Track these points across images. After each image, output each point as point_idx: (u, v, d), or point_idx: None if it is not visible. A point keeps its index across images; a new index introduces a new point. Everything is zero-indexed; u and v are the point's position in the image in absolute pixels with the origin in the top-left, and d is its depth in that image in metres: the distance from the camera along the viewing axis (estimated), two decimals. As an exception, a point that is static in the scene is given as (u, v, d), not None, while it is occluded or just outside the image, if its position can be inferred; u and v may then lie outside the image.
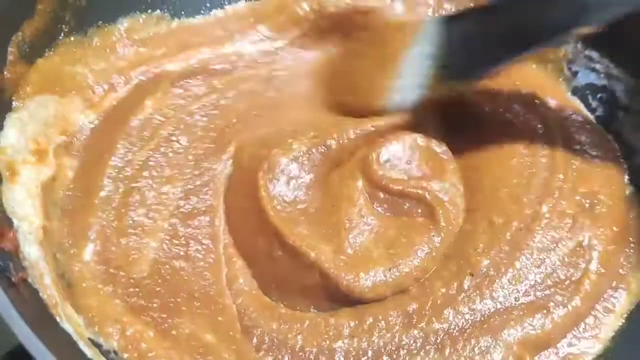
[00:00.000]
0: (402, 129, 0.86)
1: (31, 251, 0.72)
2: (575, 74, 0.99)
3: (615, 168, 0.89)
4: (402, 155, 0.84)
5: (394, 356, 0.73)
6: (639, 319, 0.78)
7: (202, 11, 1.01)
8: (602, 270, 0.79)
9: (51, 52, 0.86)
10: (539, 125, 0.91)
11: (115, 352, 0.71)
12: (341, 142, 0.84)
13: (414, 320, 0.75)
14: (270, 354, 0.74)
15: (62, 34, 0.87)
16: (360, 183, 0.82)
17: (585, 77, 0.98)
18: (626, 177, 0.89)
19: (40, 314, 0.67)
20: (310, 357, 0.73)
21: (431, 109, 0.89)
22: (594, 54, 0.97)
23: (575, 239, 0.81)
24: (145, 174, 0.84)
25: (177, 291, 0.76)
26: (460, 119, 0.91)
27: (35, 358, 0.56)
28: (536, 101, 0.94)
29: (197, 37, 0.98)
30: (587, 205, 0.84)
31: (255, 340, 0.74)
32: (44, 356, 0.56)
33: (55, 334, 0.66)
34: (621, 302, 0.79)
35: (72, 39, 0.88)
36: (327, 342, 0.74)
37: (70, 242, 0.77)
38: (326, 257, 0.76)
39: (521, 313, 0.76)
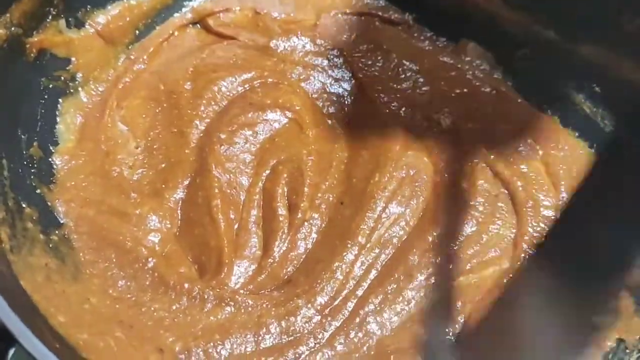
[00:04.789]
0: None
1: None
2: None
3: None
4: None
5: None
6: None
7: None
8: None
9: (40, 34, 0.86)
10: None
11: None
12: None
13: None
14: None
15: (50, 17, 0.87)
16: None
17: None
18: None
19: (19, 290, 0.68)
20: None
21: None
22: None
23: None
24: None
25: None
26: None
27: (17, 340, 0.57)
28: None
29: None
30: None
31: None
32: (24, 334, 0.57)
33: (33, 312, 0.68)
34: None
35: (59, 22, 0.88)
36: None
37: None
38: None
39: None
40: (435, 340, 0.80)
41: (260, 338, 0.77)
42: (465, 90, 1.00)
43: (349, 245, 0.83)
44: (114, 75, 0.95)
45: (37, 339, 0.57)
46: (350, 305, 0.81)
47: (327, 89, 1.00)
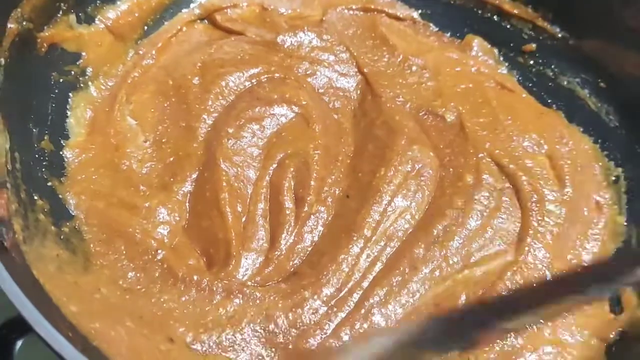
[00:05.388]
0: None
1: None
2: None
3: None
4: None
5: None
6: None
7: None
8: None
9: (50, 29, 0.87)
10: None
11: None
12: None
13: None
14: None
15: (61, 12, 0.88)
16: None
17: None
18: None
19: (32, 280, 0.69)
20: None
21: None
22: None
23: None
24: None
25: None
26: None
27: (31, 326, 0.58)
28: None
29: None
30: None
31: None
32: (39, 322, 0.58)
33: (46, 301, 0.69)
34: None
35: (70, 17, 0.90)
36: None
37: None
38: None
39: None
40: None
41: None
42: (470, 85, 1.01)
43: (354, 238, 0.84)
44: (123, 70, 0.96)
45: (53, 328, 0.58)
46: (356, 297, 0.81)
47: (333, 84, 1.01)
